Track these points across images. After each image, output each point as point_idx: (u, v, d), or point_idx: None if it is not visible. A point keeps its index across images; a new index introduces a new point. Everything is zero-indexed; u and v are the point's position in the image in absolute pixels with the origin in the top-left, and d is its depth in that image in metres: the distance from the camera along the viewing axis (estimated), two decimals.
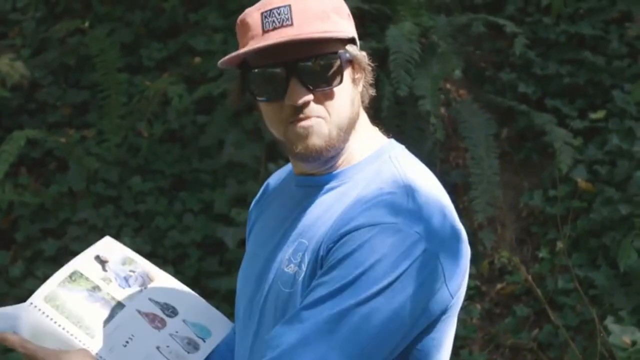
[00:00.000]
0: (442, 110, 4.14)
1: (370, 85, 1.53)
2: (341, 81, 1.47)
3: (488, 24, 4.30)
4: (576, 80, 4.25)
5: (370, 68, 1.52)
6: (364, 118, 1.54)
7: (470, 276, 3.93)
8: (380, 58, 4.01)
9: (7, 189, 4.17)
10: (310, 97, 1.45)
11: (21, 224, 4.31)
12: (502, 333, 3.82)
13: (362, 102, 1.53)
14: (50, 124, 4.62)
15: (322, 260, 1.41)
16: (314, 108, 1.45)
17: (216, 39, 4.51)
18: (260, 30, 1.47)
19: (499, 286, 3.96)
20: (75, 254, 4.92)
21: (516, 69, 4.32)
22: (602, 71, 4.22)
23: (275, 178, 1.67)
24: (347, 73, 1.48)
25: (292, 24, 1.44)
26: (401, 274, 1.36)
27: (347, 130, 1.49)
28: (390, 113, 3.96)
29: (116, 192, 4.32)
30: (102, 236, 4.82)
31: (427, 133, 4.06)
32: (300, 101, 1.44)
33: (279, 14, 1.45)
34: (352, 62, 1.49)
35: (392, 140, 1.56)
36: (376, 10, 4.04)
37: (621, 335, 3.45)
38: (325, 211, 1.47)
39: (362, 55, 1.51)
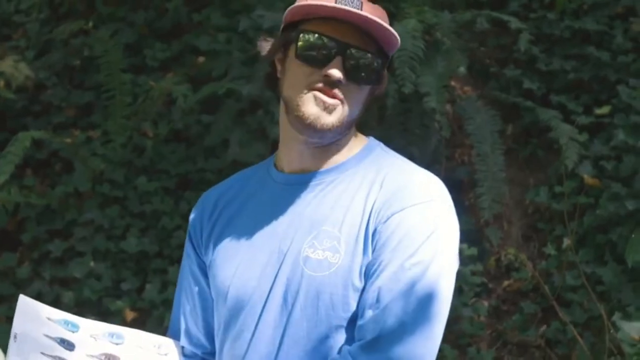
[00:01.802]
0: (447, 107, 4.13)
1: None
2: (371, 82, 1.61)
3: (492, 21, 4.29)
4: (581, 75, 4.24)
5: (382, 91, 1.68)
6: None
7: (477, 273, 3.94)
8: None
9: (13, 190, 4.18)
10: (344, 79, 1.57)
11: (27, 226, 4.32)
12: (509, 330, 3.82)
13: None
14: (55, 125, 4.62)
15: (372, 238, 1.56)
16: (342, 90, 1.58)
17: (220, 39, 4.51)
18: (333, 2, 1.57)
19: (506, 283, 3.96)
20: (81, 254, 4.91)
21: (521, 65, 4.32)
22: (607, 66, 4.21)
23: (224, 188, 1.75)
24: (380, 76, 1.63)
25: (361, 10, 1.57)
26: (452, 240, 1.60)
27: (350, 125, 1.63)
28: (395, 110, 3.95)
29: (122, 193, 4.32)
30: (108, 237, 4.78)
31: (433, 130, 4.06)
32: (337, 76, 1.56)
33: (352, 1, 1.57)
34: (381, 74, 1.63)
35: (371, 137, 1.72)
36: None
37: (629, 331, 3.44)
38: (337, 200, 1.61)
39: (387, 76, 1.66)
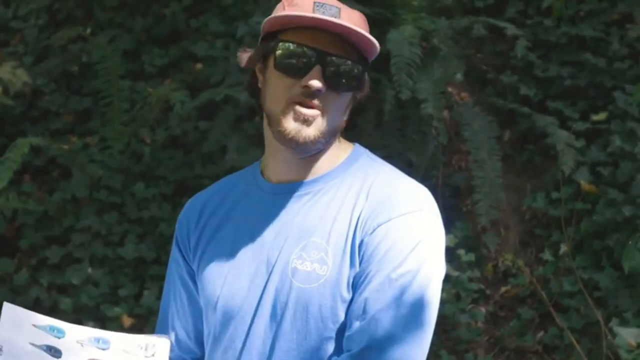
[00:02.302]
0: (444, 113, 4.14)
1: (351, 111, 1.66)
2: (352, 89, 1.60)
3: (489, 27, 4.30)
4: (577, 82, 4.25)
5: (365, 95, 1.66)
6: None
7: (475, 279, 3.95)
8: (381, 62, 4.02)
9: (11, 196, 4.17)
10: (324, 88, 1.56)
11: (25, 232, 4.32)
12: (507, 336, 3.82)
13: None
14: (53, 131, 4.63)
15: (359, 249, 1.56)
16: (321, 99, 1.57)
17: (217, 45, 4.52)
18: (310, 11, 1.57)
19: (503, 289, 3.96)
20: (79, 261, 4.91)
21: (517, 72, 4.33)
22: (603, 73, 4.22)
23: (210, 195, 1.75)
24: (361, 82, 1.62)
25: (339, 17, 1.57)
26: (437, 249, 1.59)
27: (334, 134, 1.62)
28: (392, 117, 3.96)
29: (120, 199, 4.32)
30: (106, 243, 4.78)
31: (430, 136, 4.07)
32: (317, 86, 1.55)
33: (330, 9, 1.57)
34: (362, 80, 1.61)
35: (357, 144, 1.71)
36: (377, 14, 4.05)
37: (626, 336, 3.44)
38: (325, 210, 1.60)
39: (368, 80, 1.64)
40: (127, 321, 3.99)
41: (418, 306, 1.53)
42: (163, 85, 4.46)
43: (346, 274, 1.56)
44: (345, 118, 1.63)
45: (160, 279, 4.14)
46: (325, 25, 1.55)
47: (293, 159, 1.63)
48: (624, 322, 3.53)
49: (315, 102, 1.56)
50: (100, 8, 4.89)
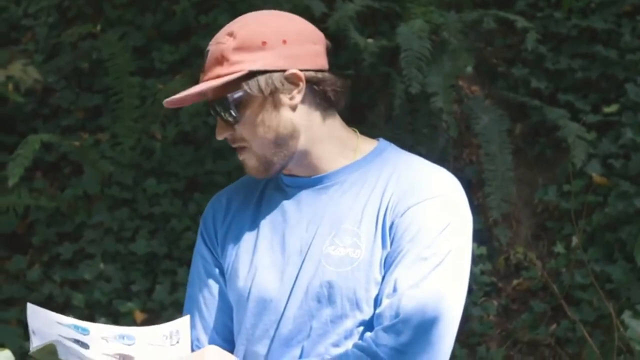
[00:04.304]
0: (455, 107, 4.13)
1: (337, 90, 1.67)
2: (240, 118, 1.64)
3: (499, 20, 4.29)
4: (589, 74, 4.23)
5: (317, 79, 1.65)
6: (330, 124, 1.68)
7: (486, 272, 3.94)
8: (391, 56, 4.01)
9: (22, 193, 4.19)
10: (231, 131, 1.65)
11: (37, 228, 4.34)
12: (519, 329, 3.82)
13: (330, 107, 1.68)
14: (64, 128, 4.64)
15: (390, 231, 1.61)
16: (236, 139, 1.66)
17: None
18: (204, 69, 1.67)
19: (515, 282, 3.96)
20: (91, 257, 4.94)
21: (528, 65, 4.31)
22: (614, 65, 4.20)
23: (234, 190, 1.79)
24: (257, 103, 1.63)
25: (204, 71, 1.65)
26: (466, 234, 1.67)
27: (281, 145, 1.65)
28: (403, 111, 3.95)
29: (131, 195, 4.34)
30: (117, 239, 4.82)
31: (440, 130, 4.06)
32: (220, 137, 1.67)
33: (206, 57, 1.66)
34: (263, 91, 1.62)
35: (381, 139, 1.75)
36: (386, 8, 4.04)
37: (638, 329, 3.44)
38: (354, 198, 1.64)
39: (280, 78, 1.63)
40: (140, 316, 4.01)
41: (448, 283, 1.58)
42: (173, 81, 4.47)
43: (378, 255, 1.60)
44: (283, 127, 1.64)
45: (172, 274, 4.15)
46: (186, 101, 1.67)
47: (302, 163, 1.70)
48: (636, 315, 3.52)
49: (234, 143, 1.67)
50: (110, 5, 4.89)
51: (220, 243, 1.75)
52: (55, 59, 4.81)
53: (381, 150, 1.70)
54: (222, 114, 1.64)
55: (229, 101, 1.63)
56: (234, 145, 1.67)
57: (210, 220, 1.78)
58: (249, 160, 1.66)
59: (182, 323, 1.66)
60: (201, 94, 1.66)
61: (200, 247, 1.80)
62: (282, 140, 1.64)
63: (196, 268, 1.80)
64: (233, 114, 1.63)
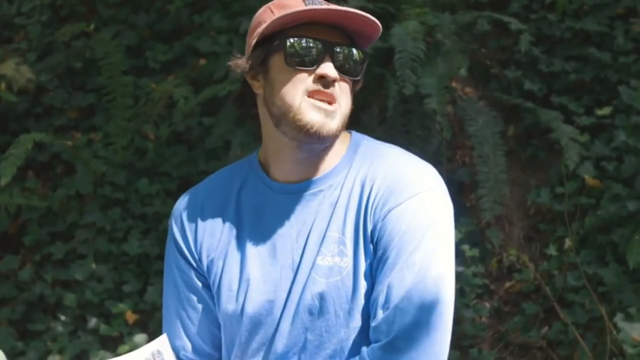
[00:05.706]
0: (448, 108, 4.14)
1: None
2: (358, 76, 1.62)
3: (493, 22, 4.29)
4: (582, 76, 4.24)
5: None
6: None
7: (479, 274, 3.94)
8: (385, 57, 4.01)
9: (14, 192, 4.18)
10: (338, 76, 1.59)
11: (29, 228, 4.32)
12: (511, 331, 3.82)
13: None
14: (57, 127, 4.63)
15: (372, 236, 1.59)
16: (336, 91, 1.59)
17: (221, 41, 4.52)
18: (302, 5, 1.58)
19: (507, 284, 3.96)
20: (83, 257, 4.91)
21: (522, 67, 4.32)
22: (608, 67, 4.21)
23: (206, 195, 1.73)
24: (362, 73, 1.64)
25: (332, 2, 1.60)
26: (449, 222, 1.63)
27: (345, 124, 1.64)
28: (396, 112, 3.95)
29: (123, 195, 4.33)
30: (110, 239, 4.79)
31: (434, 131, 4.06)
32: (334, 76, 1.57)
33: (320, 4, 1.59)
34: (364, 67, 1.63)
35: (353, 131, 1.72)
36: (380, 10, 4.04)
37: (631, 332, 3.44)
38: (337, 204, 1.62)
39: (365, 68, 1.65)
40: (131, 317, 3.99)
41: (438, 287, 1.56)
42: (166, 81, 4.46)
43: (363, 263, 1.59)
44: (350, 99, 1.65)
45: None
46: (323, 16, 1.58)
47: (302, 158, 1.63)
48: (629, 317, 3.53)
49: (333, 93, 1.58)
50: (104, 4, 4.89)
51: (198, 253, 1.70)
52: (48, 58, 4.80)
53: (356, 147, 1.68)
54: (352, 60, 1.61)
55: (365, 58, 1.63)
56: (331, 93, 1.59)
57: (182, 231, 1.72)
58: (334, 121, 1.59)
59: (161, 342, 1.65)
60: (349, 18, 1.59)
61: (177, 260, 1.72)
62: (347, 119, 1.65)
63: (172, 278, 1.73)
64: (361, 67, 1.62)
